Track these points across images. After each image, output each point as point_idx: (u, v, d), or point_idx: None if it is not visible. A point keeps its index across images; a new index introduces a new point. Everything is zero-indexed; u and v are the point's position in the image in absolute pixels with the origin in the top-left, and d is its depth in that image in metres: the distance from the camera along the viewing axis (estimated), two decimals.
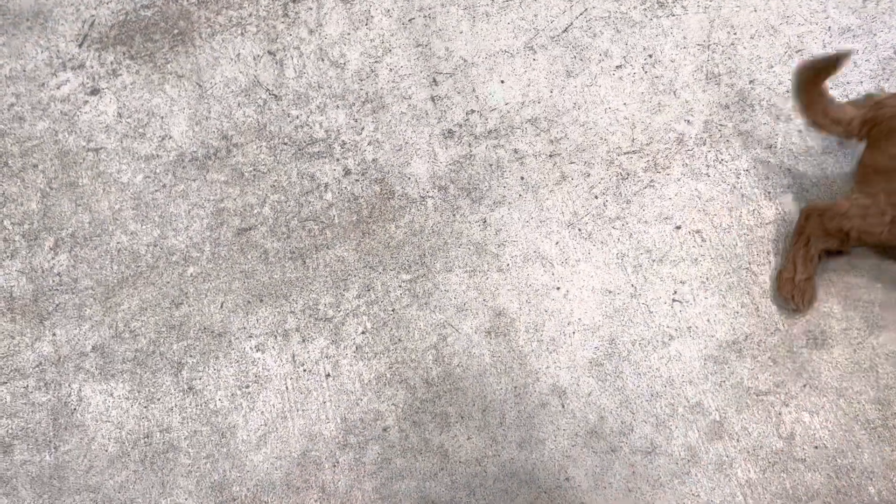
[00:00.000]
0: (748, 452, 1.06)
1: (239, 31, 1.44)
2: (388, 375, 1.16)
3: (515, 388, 1.14)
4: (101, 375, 1.19)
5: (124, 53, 1.43)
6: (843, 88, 1.28)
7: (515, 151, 1.30)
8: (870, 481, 1.03)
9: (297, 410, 1.15)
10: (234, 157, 1.33)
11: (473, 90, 1.36)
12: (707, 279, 1.18)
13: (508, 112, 1.34)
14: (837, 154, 1.23)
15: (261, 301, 1.22)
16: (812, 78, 1.06)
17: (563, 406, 1.12)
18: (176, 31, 1.45)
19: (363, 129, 1.34)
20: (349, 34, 1.42)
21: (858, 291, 1.14)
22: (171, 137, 1.36)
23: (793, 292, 1.10)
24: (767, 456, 1.06)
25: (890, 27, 1.32)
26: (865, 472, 1.04)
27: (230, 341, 1.20)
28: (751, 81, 1.31)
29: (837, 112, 1.07)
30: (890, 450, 1.04)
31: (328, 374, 1.17)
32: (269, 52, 1.42)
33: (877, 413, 1.07)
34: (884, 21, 1.32)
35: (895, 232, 1.02)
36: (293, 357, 1.18)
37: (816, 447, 1.06)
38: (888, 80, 1.27)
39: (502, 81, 1.36)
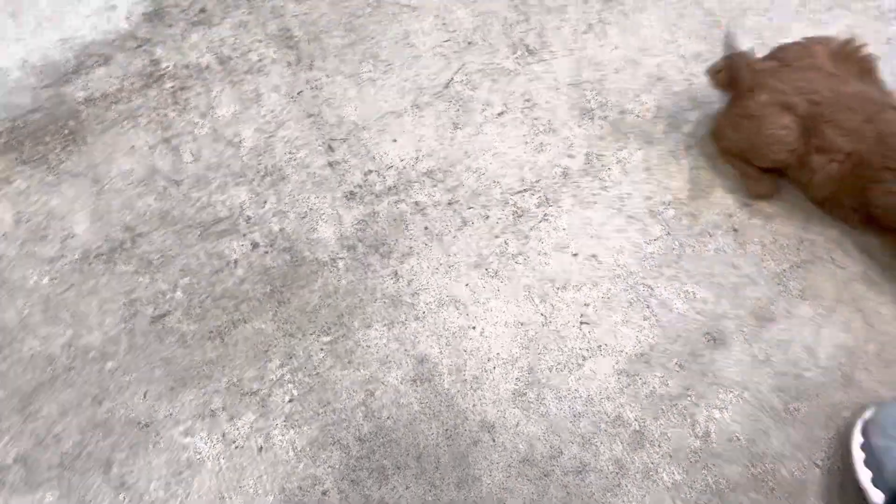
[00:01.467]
0: (670, 456, 1.13)
1: (131, 124, 1.46)
2: (321, 439, 1.18)
3: (446, 430, 1.17)
4: (27, 486, 1.16)
5: (15, 160, 1.43)
6: (704, 108, 1.39)
7: (416, 204, 1.36)
8: (782, 464, 1.11)
9: (235, 489, 1.15)
10: (140, 246, 1.34)
11: (368, 151, 1.42)
12: (608, 298, 1.25)
13: (404, 168, 1.40)
14: (706, 169, 1.34)
15: (184, 385, 1.22)
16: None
17: (494, 440, 1.16)
18: (66, 132, 1.46)
19: (266, 202, 1.38)
20: (241, 113, 1.47)
21: (745, 290, 1.23)
22: (73, 236, 1.36)
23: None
24: (688, 456, 1.12)
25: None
26: (777, 456, 1.11)
27: (158, 430, 1.19)
28: (621, 112, 1.42)
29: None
30: (794, 431, 1.12)
31: (261, 448, 1.17)
32: (164, 140, 1.45)
33: (778, 399, 1.15)
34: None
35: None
36: (223, 436, 1.18)
37: (730, 440, 1.13)
38: None
39: (395, 140, 1.42)
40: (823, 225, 1.27)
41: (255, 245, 1.34)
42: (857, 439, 1.09)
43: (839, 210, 1.21)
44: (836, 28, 1.45)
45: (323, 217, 1.36)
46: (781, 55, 1.25)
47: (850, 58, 1.23)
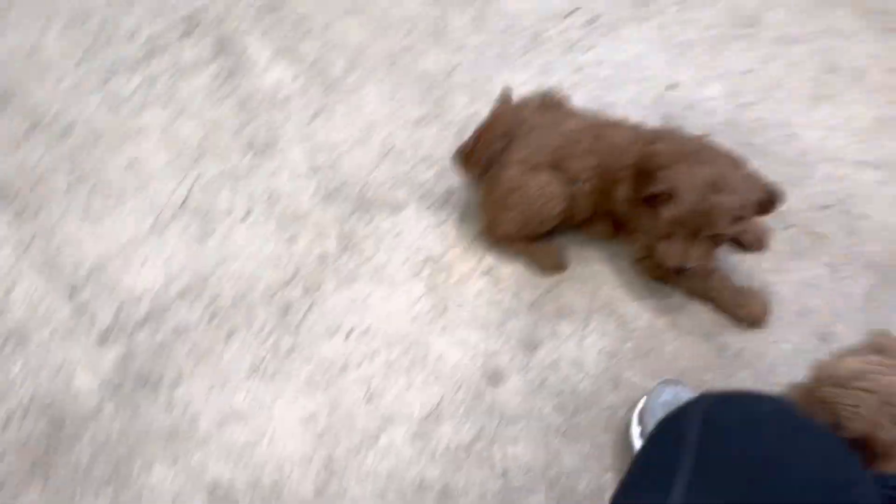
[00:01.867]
0: (478, 502, 1.14)
1: None
2: None
3: None
4: None
5: None
6: (437, 165, 1.47)
7: (175, 327, 1.31)
8: (578, 478, 1.16)
9: None
10: None
11: (115, 287, 1.36)
12: (389, 367, 1.26)
13: (157, 294, 1.35)
14: (449, 222, 1.41)
15: None
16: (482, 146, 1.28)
17: None
18: None
19: (11, 368, 1.27)
20: None
21: (510, 323, 1.29)
22: None
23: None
24: (493, 498, 1.14)
25: (453, 106, 1.55)
26: (572, 473, 1.16)
27: None
28: (362, 187, 1.46)
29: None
30: (581, 444, 1.18)
31: None
32: None
33: (560, 418, 1.21)
34: (446, 104, 1.56)
35: None
36: None
37: (527, 471, 1.16)
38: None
39: (141, 268, 1.38)
40: (561, 246, 1.37)
41: (8, 419, 1.23)
42: (635, 429, 1.16)
43: (598, 225, 1.31)
44: (535, 68, 1.60)
45: (79, 367, 1.28)
46: (506, 130, 1.33)
47: (553, 103, 1.36)
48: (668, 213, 1.14)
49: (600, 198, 1.26)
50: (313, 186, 1.47)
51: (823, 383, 0.91)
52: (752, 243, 1.32)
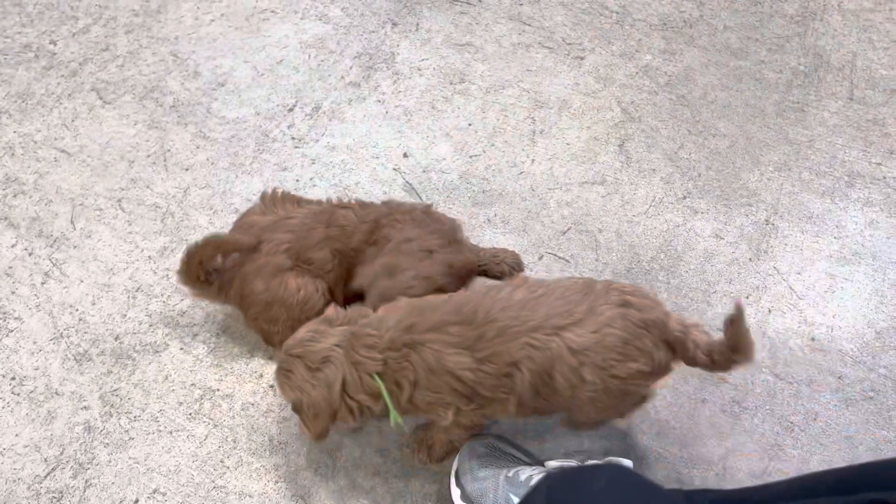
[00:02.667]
0: None
1: None
2: None
3: None
4: None
5: None
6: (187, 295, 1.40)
7: None
8: None
9: None
10: None
11: None
12: None
13: None
14: (220, 347, 1.35)
15: None
16: (195, 264, 1.21)
17: None
18: None
19: None
20: None
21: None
22: None
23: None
24: None
25: (194, 227, 1.50)
26: None
27: None
28: (116, 338, 1.36)
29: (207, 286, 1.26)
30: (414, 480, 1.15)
31: None
32: None
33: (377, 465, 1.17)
34: (186, 227, 1.50)
35: None
36: None
37: None
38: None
39: None
40: None
41: None
42: (455, 493, 1.15)
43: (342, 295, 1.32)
44: (270, 168, 1.59)
45: None
46: (246, 243, 1.28)
47: (281, 197, 1.34)
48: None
49: (346, 280, 1.27)
50: (61, 354, 1.35)
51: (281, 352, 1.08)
52: (507, 272, 1.39)
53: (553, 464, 1.14)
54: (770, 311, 1.39)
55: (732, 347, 0.96)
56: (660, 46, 1.79)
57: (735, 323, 0.94)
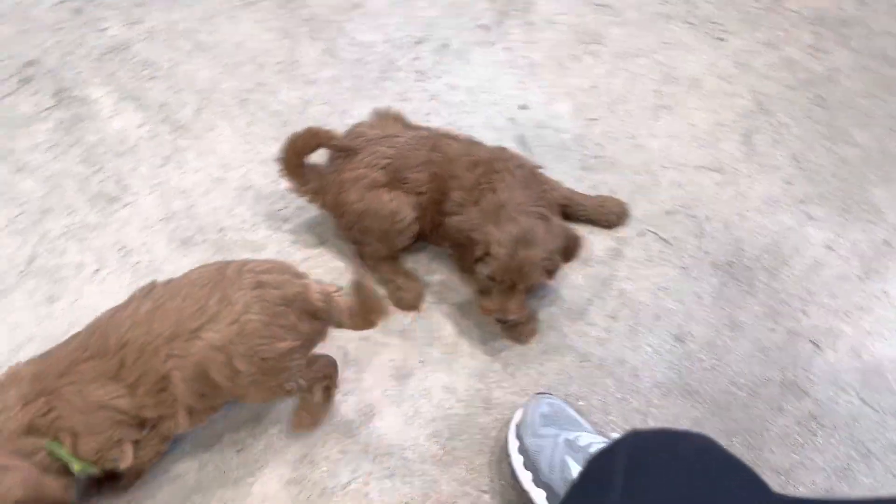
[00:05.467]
0: None
1: None
2: None
3: None
4: None
5: None
6: (296, 201, 1.45)
7: None
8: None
9: None
10: None
11: None
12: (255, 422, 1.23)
13: (2, 365, 1.26)
14: (315, 257, 1.39)
15: None
16: (293, 152, 1.24)
17: None
18: None
19: None
20: None
21: (382, 355, 1.28)
22: None
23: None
24: None
25: None
26: (450, 499, 1.16)
27: None
28: (220, 230, 1.43)
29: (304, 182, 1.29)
30: (457, 469, 1.18)
31: None
32: None
33: (436, 446, 1.20)
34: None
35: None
36: None
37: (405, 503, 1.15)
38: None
39: None
40: (418, 275, 1.38)
41: None
42: (513, 444, 1.16)
43: (434, 236, 1.34)
44: (390, 97, 1.61)
45: None
46: (345, 144, 1.31)
47: (390, 116, 1.37)
48: (485, 270, 1.19)
49: (433, 209, 1.29)
50: (169, 233, 1.42)
51: None
52: (614, 222, 1.39)
53: (618, 435, 1.14)
54: (870, 333, 1.33)
55: (362, 309, 1.05)
56: (808, 41, 1.70)
57: (359, 288, 1.04)
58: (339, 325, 1.08)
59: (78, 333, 0.98)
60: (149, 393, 0.95)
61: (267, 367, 1.00)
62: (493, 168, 1.24)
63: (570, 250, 1.25)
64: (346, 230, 1.32)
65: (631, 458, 0.80)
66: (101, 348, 0.94)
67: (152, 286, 1.01)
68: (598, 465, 0.85)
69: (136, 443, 0.98)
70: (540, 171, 1.31)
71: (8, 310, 1.32)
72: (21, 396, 0.90)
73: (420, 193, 1.27)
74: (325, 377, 1.17)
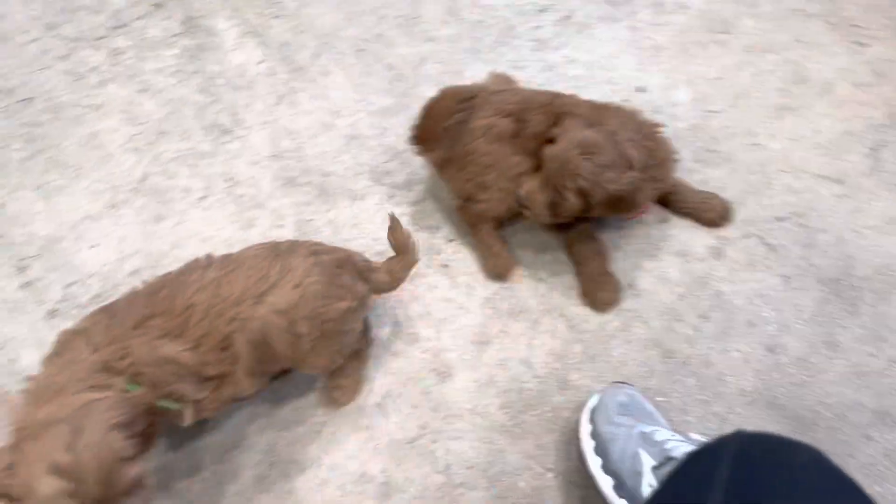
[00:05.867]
0: (417, 499, 1.14)
1: None
2: None
3: None
4: None
5: None
6: (401, 157, 1.46)
7: None
8: (519, 477, 1.16)
9: None
10: None
11: (67, 263, 1.34)
12: None
13: (109, 273, 1.33)
14: (410, 214, 1.40)
15: None
16: (431, 119, 1.30)
17: None
18: None
19: None
20: None
21: (461, 319, 1.29)
22: None
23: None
24: (433, 494, 1.14)
25: (420, 97, 1.54)
26: (513, 471, 1.16)
27: None
28: (324, 174, 1.45)
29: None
30: (524, 443, 1.18)
31: None
32: None
33: (506, 416, 1.21)
34: (413, 95, 1.54)
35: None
36: None
37: (469, 467, 1.16)
38: None
39: (94, 246, 1.36)
40: (512, 248, 1.37)
41: None
42: (585, 428, 1.15)
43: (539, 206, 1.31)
44: (503, 64, 1.59)
45: (25, 343, 1.26)
46: (476, 91, 1.31)
47: (504, 78, 1.37)
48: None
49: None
50: (274, 171, 1.45)
51: None
52: (715, 221, 1.34)
53: (696, 436, 1.11)
54: None
55: (398, 250, 1.14)
56: None
57: (393, 230, 1.13)
58: (378, 287, 1.14)
59: (139, 290, 1.02)
60: (212, 350, 0.99)
61: (327, 330, 1.05)
62: (616, 113, 1.22)
63: (625, 202, 1.19)
64: (465, 182, 1.30)
65: (737, 461, 0.76)
66: (168, 308, 0.98)
67: (210, 258, 1.05)
68: (700, 464, 0.82)
69: (196, 402, 1.02)
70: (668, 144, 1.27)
71: (118, 222, 1.39)
72: (93, 345, 0.94)
73: (538, 133, 1.25)
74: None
